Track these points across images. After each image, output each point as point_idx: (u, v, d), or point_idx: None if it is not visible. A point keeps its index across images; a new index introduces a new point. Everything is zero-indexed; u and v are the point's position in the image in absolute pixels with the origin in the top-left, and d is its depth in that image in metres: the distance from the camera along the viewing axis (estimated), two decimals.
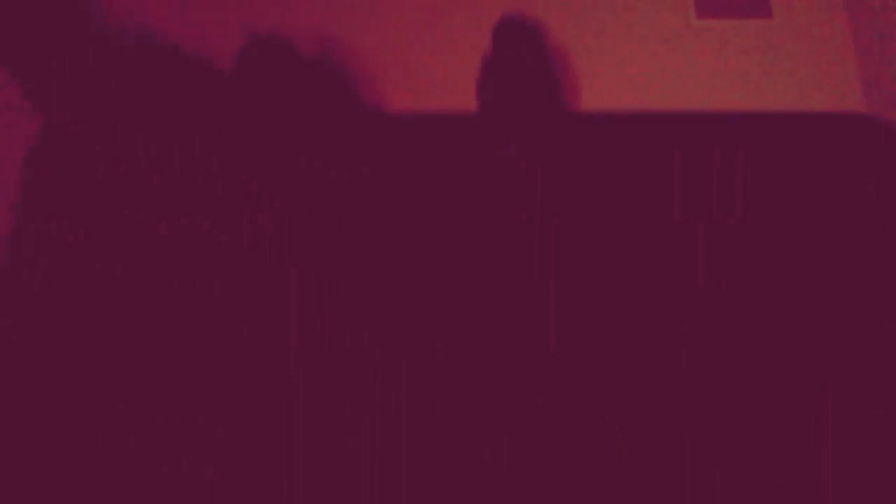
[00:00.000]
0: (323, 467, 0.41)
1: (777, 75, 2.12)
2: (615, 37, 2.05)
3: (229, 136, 0.51)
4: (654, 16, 2.08)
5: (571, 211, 0.39)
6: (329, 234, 0.46)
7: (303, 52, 0.64)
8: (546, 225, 0.47)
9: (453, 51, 1.63)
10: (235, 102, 0.55)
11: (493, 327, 0.40)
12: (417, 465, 0.38)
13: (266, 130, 0.55)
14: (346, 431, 0.45)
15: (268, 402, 0.41)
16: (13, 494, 0.42)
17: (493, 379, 0.36)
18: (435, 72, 1.52)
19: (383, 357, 0.39)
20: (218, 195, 0.54)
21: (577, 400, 0.38)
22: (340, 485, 0.44)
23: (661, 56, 2.06)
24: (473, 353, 0.38)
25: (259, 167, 0.54)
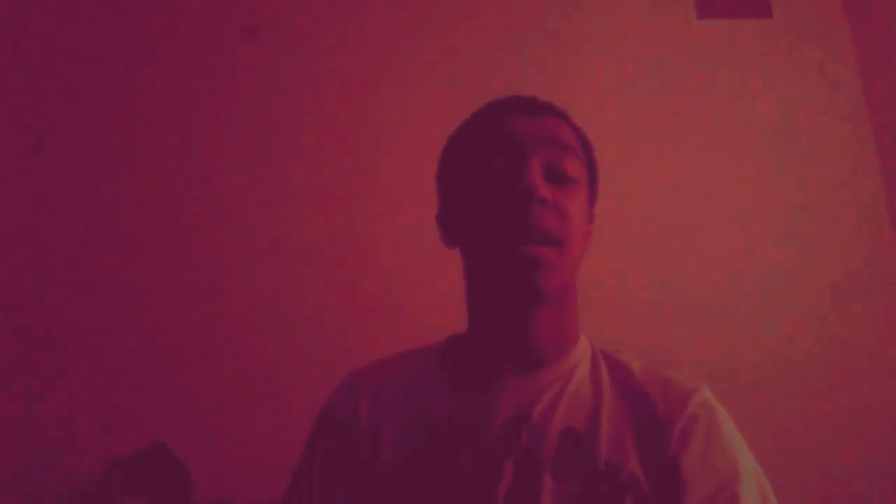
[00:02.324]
0: None
1: (777, 75, 2.11)
2: (616, 36, 2.05)
3: None
4: (654, 16, 2.09)
5: None
6: None
7: None
8: None
9: None
10: None
11: None
12: None
13: None
14: None
15: None
16: None
17: None
18: None
19: None
20: None
21: None
22: None
23: (661, 56, 2.06)
24: None
25: None
